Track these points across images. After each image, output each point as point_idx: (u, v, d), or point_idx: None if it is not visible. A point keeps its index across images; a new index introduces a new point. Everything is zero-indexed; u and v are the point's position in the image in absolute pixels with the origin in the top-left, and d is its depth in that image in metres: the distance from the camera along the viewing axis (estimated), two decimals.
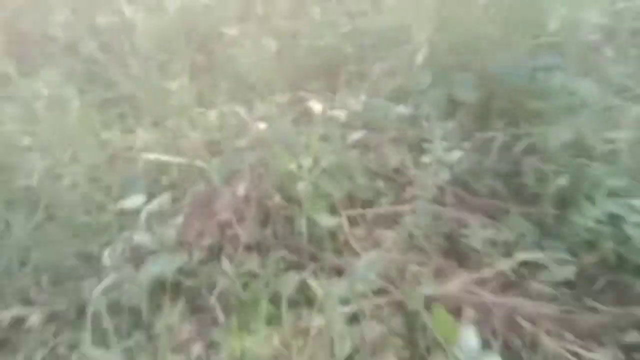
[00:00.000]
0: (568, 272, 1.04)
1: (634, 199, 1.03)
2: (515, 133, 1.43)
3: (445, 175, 1.31)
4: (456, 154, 1.34)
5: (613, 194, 1.13)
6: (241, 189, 1.23)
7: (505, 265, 1.05)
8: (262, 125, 1.35)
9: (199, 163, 1.30)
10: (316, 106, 1.39)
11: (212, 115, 1.36)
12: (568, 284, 1.17)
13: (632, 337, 1.01)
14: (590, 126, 1.31)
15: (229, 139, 1.33)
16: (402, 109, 1.50)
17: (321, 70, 1.78)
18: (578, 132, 1.31)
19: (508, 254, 1.12)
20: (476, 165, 1.38)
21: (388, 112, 1.51)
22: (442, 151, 1.34)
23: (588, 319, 1.04)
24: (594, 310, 1.09)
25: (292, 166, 1.20)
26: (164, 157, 1.31)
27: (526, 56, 1.59)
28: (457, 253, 1.15)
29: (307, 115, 1.42)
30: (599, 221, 1.10)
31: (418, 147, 1.44)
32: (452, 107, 1.56)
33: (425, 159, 1.32)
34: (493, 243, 1.13)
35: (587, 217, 1.10)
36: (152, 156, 1.30)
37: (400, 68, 1.63)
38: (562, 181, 1.19)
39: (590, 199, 1.17)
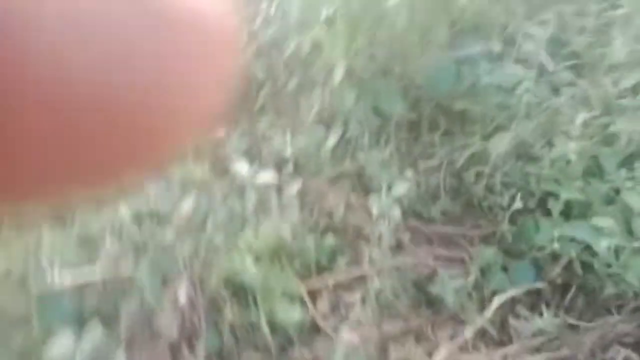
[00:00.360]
0: (545, 322, 1.04)
1: (594, 217, 1.04)
2: (454, 145, 1.39)
3: (396, 213, 1.25)
4: (402, 187, 1.28)
5: (569, 207, 1.13)
6: (182, 296, 1.09)
7: (482, 319, 1.04)
8: (186, 206, 1.20)
9: (124, 273, 1.14)
10: (242, 168, 1.25)
11: (124, 210, 1.19)
12: (539, 296, 1.19)
13: (617, 353, 1.05)
14: (526, 127, 1.30)
15: (152, 233, 1.17)
16: (333, 140, 1.41)
17: (234, 98, 1.62)
18: (517, 136, 1.30)
19: (480, 297, 1.11)
20: (424, 192, 1.33)
21: (320, 148, 1.41)
22: (387, 188, 1.28)
23: (572, 342, 1.06)
24: (575, 328, 1.11)
25: (235, 258, 1.08)
26: (82, 278, 1.13)
27: (447, 50, 1.54)
28: (431, 308, 1.12)
29: (232, 177, 1.29)
30: (560, 238, 1.11)
31: (359, 182, 1.37)
32: (381, 123, 1.48)
33: (372, 201, 1.25)
34: (464, 290, 1.11)
35: (548, 238, 1.11)
36: (62, 283, 1.12)
37: (319, 88, 1.52)
38: (517, 203, 1.18)
39: (546, 212, 1.18)
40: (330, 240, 1.21)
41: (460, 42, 1.54)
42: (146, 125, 0.13)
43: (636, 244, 1.00)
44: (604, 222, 1.01)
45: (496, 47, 1.51)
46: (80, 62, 0.11)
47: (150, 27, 0.12)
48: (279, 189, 1.28)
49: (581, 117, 1.16)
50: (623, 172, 1.09)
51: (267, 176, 1.21)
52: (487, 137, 1.35)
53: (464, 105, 1.42)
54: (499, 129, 1.35)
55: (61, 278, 1.17)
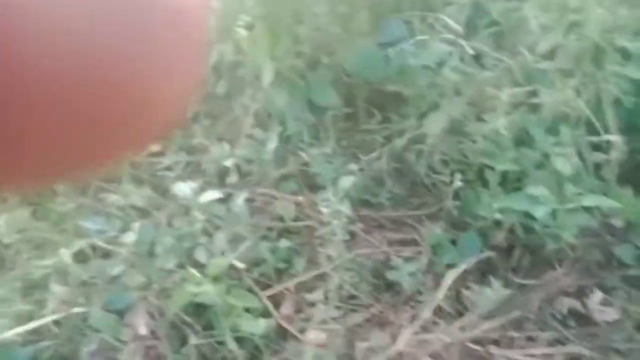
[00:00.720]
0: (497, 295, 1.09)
1: (529, 186, 1.10)
2: (392, 129, 1.42)
3: (345, 206, 1.27)
4: (348, 179, 1.30)
5: (505, 177, 1.19)
6: (142, 327, 1.07)
7: (438, 297, 1.08)
8: (129, 238, 1.16)
9: (76, 311, 1.10)
10: (183, 187, 1.23)
11: (65, 251, 1.14)
12: (489, 263, 1.25)
13: (563, 304, 1.13)
14: (456, 104, 1.35)
15: (99, 268, 1.14)
16: (273, 142, 1.40)
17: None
18: (449, 114, 1.34)
19: (435, 274, 1.15)
20: (370, 180, 1.36)
21: (261, 152, 1.40)
22: (333, 182, 1.29)
23: (522, 303, 1.13)
24: (523, 288, 1.18)
25: (190, 280, 1.06)
26: (32, 324, 1.09)
27: (371, 36, 1.55)
28: (390, 293, 1.16)
29: (174, 197, 1.26)
30: (500, 208, 1.17)
31: (305, 180, 1.38)
32: (318, 118, 1.49)
33: (321, 198, 1.27)
34: (418, 270, 1.15)
35: (489, 209, 1.16)
36: (12, 332, 1.06)
37: (250, 91, 1.50)
38: (457, 179, 1.22)
39: (485, 184, 1.23)
40: (285, 243, 1.21)
41: (383, 26, 1.56)
42: (121, 111, 0.13)
43: (569, 206, 1.07)
44: (538, 190, 1.07)
45: (419, 26, 1.54)
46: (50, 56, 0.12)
47: (131, 21, 0.13)
48: (226, 200, 1.27)
49: (506, 90, 1.21)
50: (550, 139, 1.15)
51: (211, 192, 1.20)
52: (421, 118, 1.39)
53: (395, 89, 1.45)
54: (432, 108, 1.39)
55: (10, 328, 1.12)
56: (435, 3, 1.57)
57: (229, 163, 1.35)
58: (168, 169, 1.39)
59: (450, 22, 1.48)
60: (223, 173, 1.36)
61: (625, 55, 1.33)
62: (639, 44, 1.32)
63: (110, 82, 0.13)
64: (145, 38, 0.13)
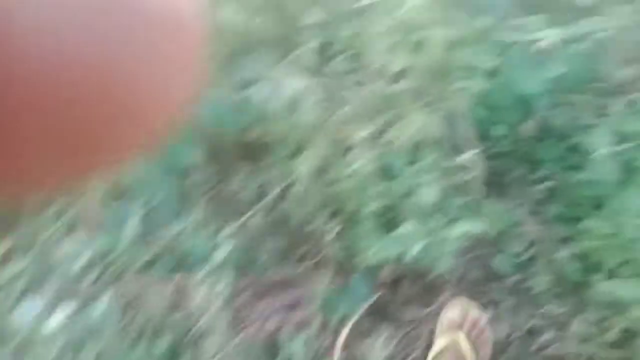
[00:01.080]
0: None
1: (401, 225, 1.03)
2: (264, 178, 1.29)
3: (226, 282, 1.12)
4: (224, 249, 1.15)
5: (380, 214, 1.12)
6: None
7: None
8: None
9: None
10: (26, 311, 0.99)
11: None
12: (379, 303, 1.18)
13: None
14: (321, 143, 1.25)
15: None
16: (135, 220, 1.20)
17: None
18: (315, 156, 1.24)
19: (331, 331, 1.06)
20: (248, 241, 1.22)
21: (121, 235, 1.19)
22: (209, 257, 1.13)
23: (414, 340, 1.08)
24: (414, 323, 1.13)
25: None
26: None
27: (224, 78, 1.39)
28: None
29: (17, 326, 1.02)
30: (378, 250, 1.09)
31: (175, 259, 1.20)
32: (182, 182, 1.31)
33: (197, 277, 1.10)
34: (312, 334, 1.04)
35: (368, 250, 1.09)
36: None
37: None
38: (334, 223, 1.13)
39: (362, 225, 1.15)
40: (163, 342, 1.04)
41: (234, 69, 1.41)
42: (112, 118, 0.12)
43: (439, 236, 1.02)
44: (408, 227, 1.01)
45: (272, 64, 1.41)
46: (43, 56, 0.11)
47: (125, 23, 0.12)
48: (87, 306, 1.06)
49: (362, 125, 1.13)
50: (410, 169, 1.09)
51: (65, 306, 0.98)
52: (289, 163, 1.27)
53: (257, 135, 1.31)
54: (299, 149, 1.28)
55: None
56: (287, 38, 1.45)
57: (85, 259, 1.13)
58: (12, 280, 1.13)
59: (304, 57, 1.38)
60: (81, 272, 1.14)
61: (469, 68, 1.32)
62: (479, 57, 1.31)
63: (101, 85, 0.12)
64: (137, 41, 0.12)
